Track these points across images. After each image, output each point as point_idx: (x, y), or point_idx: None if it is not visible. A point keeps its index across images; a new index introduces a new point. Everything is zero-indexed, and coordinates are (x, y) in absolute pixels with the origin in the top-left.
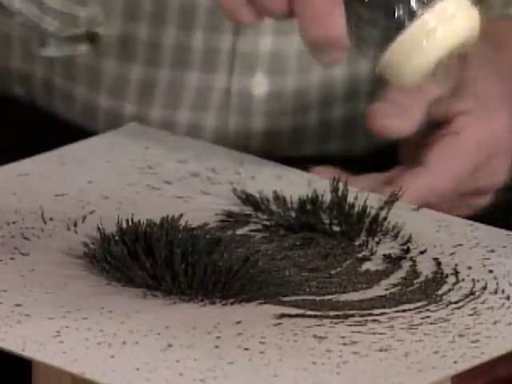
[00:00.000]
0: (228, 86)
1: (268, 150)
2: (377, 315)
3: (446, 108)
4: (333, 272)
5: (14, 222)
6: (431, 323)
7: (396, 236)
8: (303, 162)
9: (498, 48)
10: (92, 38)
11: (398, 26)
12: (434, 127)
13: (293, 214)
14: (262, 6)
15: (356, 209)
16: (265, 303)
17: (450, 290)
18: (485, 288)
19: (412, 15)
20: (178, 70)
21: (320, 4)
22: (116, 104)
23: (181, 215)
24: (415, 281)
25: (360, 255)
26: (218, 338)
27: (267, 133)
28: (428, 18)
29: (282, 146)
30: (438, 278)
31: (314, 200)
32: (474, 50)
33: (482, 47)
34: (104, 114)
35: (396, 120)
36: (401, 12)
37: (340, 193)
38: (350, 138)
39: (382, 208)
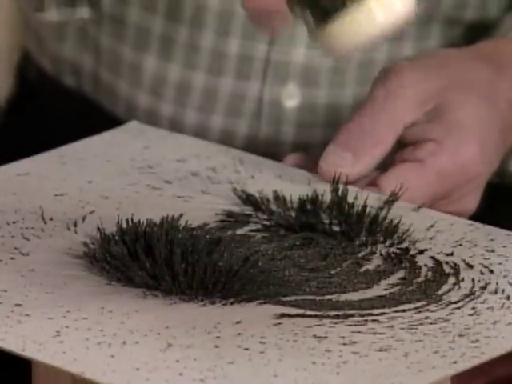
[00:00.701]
0: (260, 94)
1: None
2: (377, 315)
3: (416, 133)
4: (333, 272)
5: (14, 222)
6: (431, 323)
7: (396, 236)
8: None
9: (498, 68)
10: (92, 1)
11: (337, 5)
12: (403, 148)
13: (293, 214)
14: None
15: (356, 209)
16: (265, 303)
17: (449, 290)
18: (485, 288)
19: None
20: (213, 74)
21: None
22: (154, 103)
23: (181, 215)
24: (415, 281)
25: (360, 255)
26: (217, 337)
27: (297, 144)
28: (370, 2)
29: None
30: (438, 278)
31: (314, 200)
32: (472, 72)
33: (481, 67)
34: (143, 113)
35: (345, 168)
36: None
37: (340, 193)
38: None
39: (381, 208)
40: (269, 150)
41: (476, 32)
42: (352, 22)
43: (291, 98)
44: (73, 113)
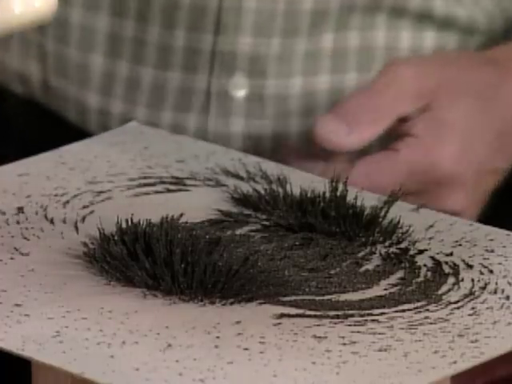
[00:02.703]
0: (208, 86)
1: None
2: (376, 315)
3: (402, 127)
4: (332, 272)
5: (14, 222)
6: (431, 323)
7: (395, 236)
8: None
9: (505, 73)
10: None
11: None
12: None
13: (292, 214)
14: None
15: (355, 209)
16: (264, 303)
17: (449, 290)
18: (484, 288)
19: None
20: (160, 69)
21: None
22: (104, 102)
23: (180, 215)
24: (414, 281)
25: (359, 255)
26: (217, 337)
27: (247, 135)
28: None
29: (262, 151)
30: (438, 278)
31: (314, 200)
32: (475, 74)
33: (487, 70)
34: (94, 113)
35: (339, 138)
36: None
37: (339, 193)
38: None
39: (381, 208)
40: (218, 143)
41: (422, 22)
42: None
43: (239, 89)
44: (24, 120)
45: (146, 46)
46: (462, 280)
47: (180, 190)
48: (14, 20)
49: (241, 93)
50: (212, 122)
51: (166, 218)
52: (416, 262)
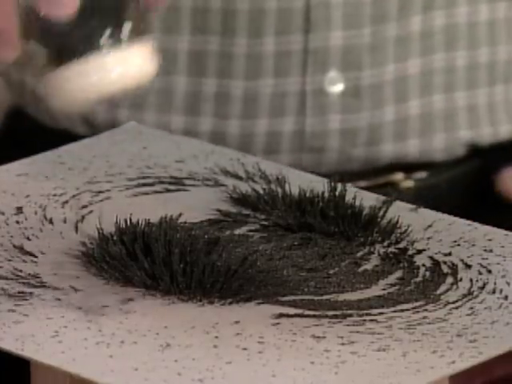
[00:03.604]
0: (302, 87)
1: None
2: (375, 315)
3: None
4: (331, 272)
5: (13, 222)
6: (429, 323)
7: (394, 236)
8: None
9: None
10: None
11: (74, 52)
12: None
13: (291, 214)
14: None
15: (354, 209)
16: (263, 303)
17: (447, 290)
18: (483, 288)
19: (93, 47)
20: (251, 79)
21: None
22: (191, 122)
23: (179, 215)
24: (413, 281)
25: (358, 255)
26: (216, 337)
27: (343, 131)
28: (106, 59)
29: (358, 144)
30: (436, 278)
31: (312, 200)
32: None
33: None
34: (179, 132)
35: None
36: (81, 42)
37: (338, 193)
38: (428, 136)
39: (379, 208)
40: (315, 142)
41: None
42: (83, 72)
43: (334, 84)
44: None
45: (233, 59)
46: (461, 280)
47: (179, 190)
48: (111, 84)
49: (337, 88)
50: (309, 123)
51: (165, 217)
52: (414, 262)
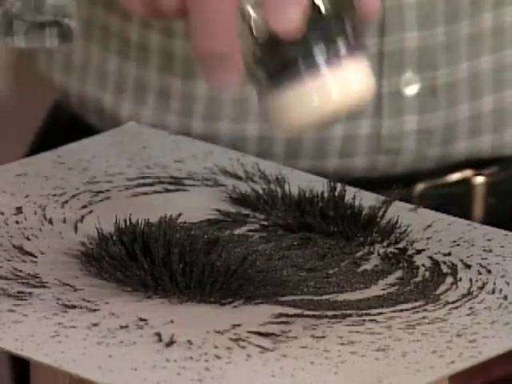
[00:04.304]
0: (379, 89)
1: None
2: (374, 315)
3: None
4: (330, 272)
5: (12, 222)
6: (429, 323)
7: (393, 236)
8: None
9: None
10: (61, 29)
11: (294, 75)
12: None
13: (290, 214)
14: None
15: (353, 209)
16: (262, 303)
17: (447, 290)
18: (482, 288)
19: (312, 67)
20: None
21: (216, 12)
22: (238, 127)
23: (179, 215)
24: (412, 281)
25: (358, 255)
26: (215, 337)
27: (421, 132)
28: (327, 77)
29: (434, 144)
30: (436, 278)
31: (312, 200)
32: None
33: None
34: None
35: None
36: (301, 61)
37: (337, 193)
38: (500, 131)
39: (379, 208)
40: (391, 145)
41: None
42: (305, 95)
43: (410, 85)
44: None
45: None
46: (460, 280)
47: (178, 190)
48: (331, 106)
49: (413, 89)
50: (385, 125)
51: (165, 217)
52: (414, 262)
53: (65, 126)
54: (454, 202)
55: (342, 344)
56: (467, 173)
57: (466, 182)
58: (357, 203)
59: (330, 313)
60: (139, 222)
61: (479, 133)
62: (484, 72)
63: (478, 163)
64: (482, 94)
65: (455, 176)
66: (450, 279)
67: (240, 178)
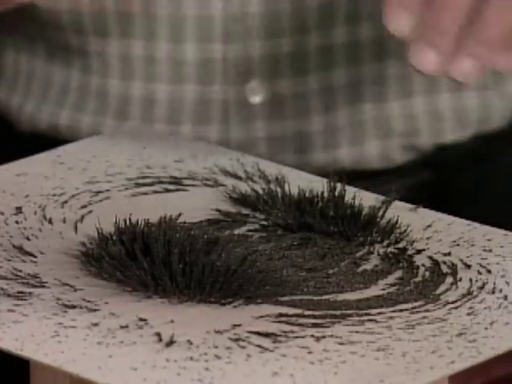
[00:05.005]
0: (226, 95)
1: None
2: (374, 315)
3: None
4: (330, 272)
5: (12, 222)
6: (429, 323)
7: (393, 236)
8: None
9: None
10: None
11: None
12: None
13: (290, 214)
14: None
15: (353, 209)
16: (262, 303)
17: (447, 290)
18: (482, 288)
19: None
20: (174, 83)
21: None
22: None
23: (179, 215)
24: (412, 280)
25: (357, 255)
26: (215, 337)
27: (270, 138)
28: None
29: (287, 151)
30: (436, 278)
31: (312, 200)
32: None
33: None
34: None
35: None
36: None
37: (337, 193)
38: (359, 144)
39: (379, 208)
40: (240, 150)
41: None
42: None
43: (256, 94)
44: None
45: (156, 63)
46: (460, 280)
47: (178, 190)
48: None
49: (258, 97)
50: (234, 131)
51: (165, 217)
52: (414, 262)
53: None
54: None
55: (342, 344)
56: None
57: None
58: (357, 203)
59: (330, 313)
60: (139, 221)
61: (336, 145)
62: (337, 85)
63: (340, 174)
64: (336, 107)
65: None
66: (449, 279)
67: (240, 178)
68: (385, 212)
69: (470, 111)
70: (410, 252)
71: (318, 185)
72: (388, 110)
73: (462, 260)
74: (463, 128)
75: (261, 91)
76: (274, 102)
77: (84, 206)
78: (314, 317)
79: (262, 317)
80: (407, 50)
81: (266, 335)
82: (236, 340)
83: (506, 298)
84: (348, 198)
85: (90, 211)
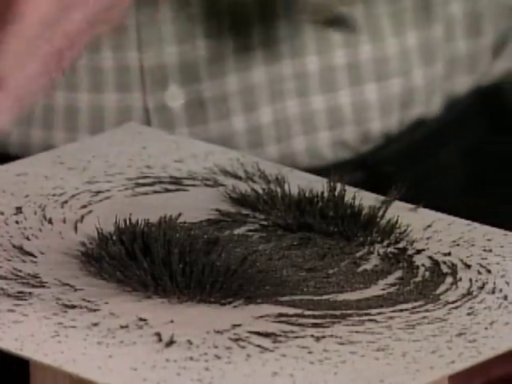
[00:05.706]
0: (145, 103)
1: None
2: (374, 315)
3: None
4: (330, 272)
5: (12, 222)
6: (429, 323)
7: (393, 236)
8: None
9: None
10: None
11: None
12: None
13: (290, 214)
14: None
15: (353, 208)
16: (262, 303)
17: (447, 290)
18: (482, 288)
19: None
20: (95, 91)
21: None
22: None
23: (179, 215)
24: (412, 280)
25: (357, 255)
26: (215, 337)
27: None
28: None
29: None
30: (436, 278)
31: (312, 200)
32: None
33: None
34: (38, 148)
35: None
36: None
37: (337, 193)
38: (286, 142)
39: (379, 208)
40: None
41: None
42: None
43: (176, 100)
44: None
45: (75, 71)
46: (460, 280)
47: (178, 190)
48: None
49: (178, 102)
50: None
51: (164, 217)
52: (414, 262)
53: None
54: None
55: (342, 344)
56: None
57: None
58: (357, 203)
59: (330, 313)
60: (139, 221)
61: (261, 144)
62: (258, 84)
63: None
64: (257, 106)
65: None
66: (449, 279)
67: (240, 178)
68: (385, 212)
69: (395, 96)
70: (409, 252)
71: (318, 185)
72: (312, 105)
73: (461, 260)
74: (388, 115)
75: (180, 96)
76: (194, 105)
77: (84, 206)
78: (314, 317)
79: (261, 317)
80: None
81: (266, 335)
82: (236, 340)
83: (505, 297)
84: (348, 197)
85: (90, 211)
